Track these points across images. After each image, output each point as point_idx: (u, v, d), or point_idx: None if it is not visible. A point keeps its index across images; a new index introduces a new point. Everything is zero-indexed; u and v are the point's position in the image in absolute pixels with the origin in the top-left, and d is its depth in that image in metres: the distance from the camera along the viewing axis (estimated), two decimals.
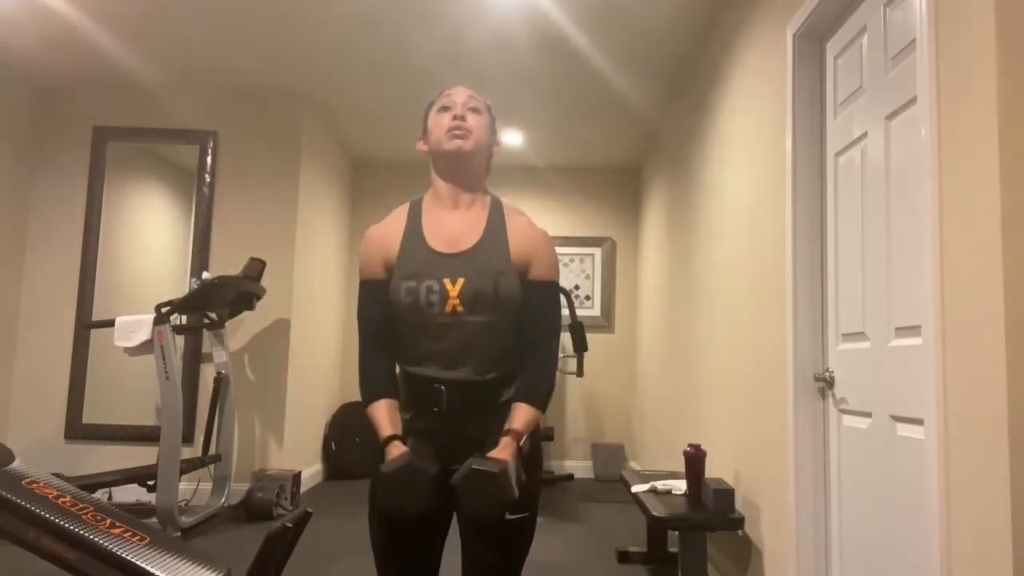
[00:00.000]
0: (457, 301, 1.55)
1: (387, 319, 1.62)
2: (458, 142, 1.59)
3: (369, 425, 1.59)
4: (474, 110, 1.64)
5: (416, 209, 1.66)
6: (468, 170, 1.63)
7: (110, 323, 4.04)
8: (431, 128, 1.65)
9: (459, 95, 1.65)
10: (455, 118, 1.61)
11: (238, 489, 4.52)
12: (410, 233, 1.62)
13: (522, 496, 1.52)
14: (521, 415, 1.55)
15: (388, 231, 1.64)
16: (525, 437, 1.56)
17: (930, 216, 1.62)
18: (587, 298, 6.46)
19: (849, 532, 2.20)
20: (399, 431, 1.56)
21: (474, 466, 1.44)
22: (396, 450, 1.51)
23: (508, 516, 1.54)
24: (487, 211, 1.64)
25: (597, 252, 6.49)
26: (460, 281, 1.55)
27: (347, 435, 5.88)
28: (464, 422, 1.58)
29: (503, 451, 1.50)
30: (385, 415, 1.56)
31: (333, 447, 5.81)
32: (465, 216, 1.62)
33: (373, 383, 1.60)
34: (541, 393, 1.59)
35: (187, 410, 4.57)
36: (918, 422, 1.77)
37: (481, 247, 1.59)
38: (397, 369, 1.66)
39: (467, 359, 1.57)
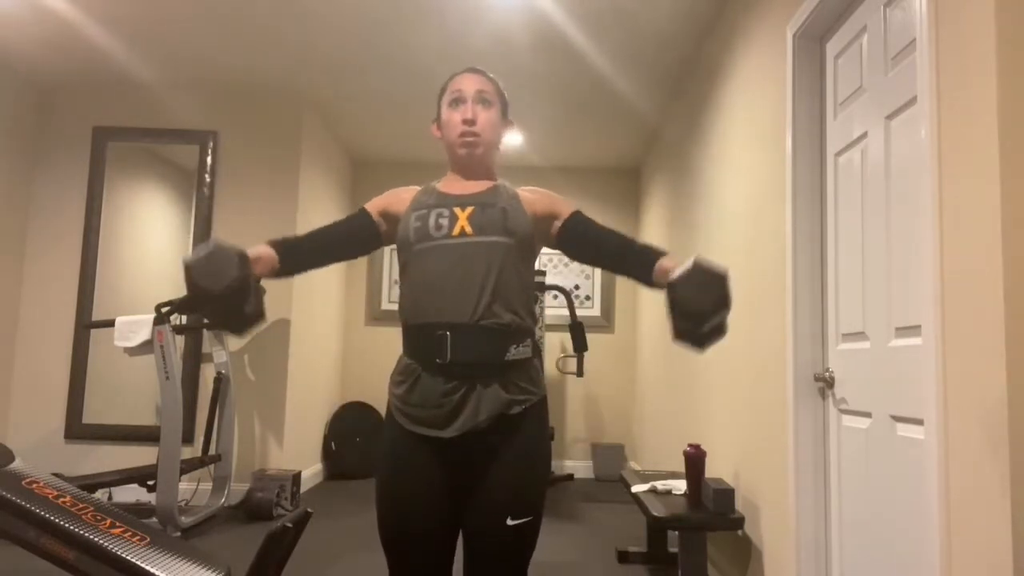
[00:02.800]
0: (466, 223, 1.59)
1: (343, 236, 1.69)
2: (469, 148, 1.67)
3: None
4: (485, 103, 1.68)
5: (429, 183, 1.76)
6: (480, 163, 1.71)
7: (110, 323, 4.05)
8: (444, 121, 1.71)
9: (469, 86, 1.68)
10: (465, 122, 1.65)
11: (238, 489, 4.52)
12: (423, 192, 1.71)
13: (526, 499, 1.52)
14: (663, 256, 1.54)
15: (403, 191, 1.74)
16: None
17: (930, 216, 1.62)
18: (587, 298, 6.46)
19: (849, 532, 2.20)
20: (258, 253, 1.54)
21: (698, 261, 1.42)
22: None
23: (511, 521, 1.52)
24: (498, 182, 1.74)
25: None
26: (469, 208, 1.61)
27: (347, 435, 5.87)
28: (469, 383, 1.53)
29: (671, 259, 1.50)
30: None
31: (333, 447, 5.81)
32: (477, 183, 1.70)
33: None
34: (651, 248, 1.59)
35: (187, 410, 4.57)
36: (918, 422, 1.77)
37: (492, 192, 1.67)
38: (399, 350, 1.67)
39: (472, 294, 1.54)
